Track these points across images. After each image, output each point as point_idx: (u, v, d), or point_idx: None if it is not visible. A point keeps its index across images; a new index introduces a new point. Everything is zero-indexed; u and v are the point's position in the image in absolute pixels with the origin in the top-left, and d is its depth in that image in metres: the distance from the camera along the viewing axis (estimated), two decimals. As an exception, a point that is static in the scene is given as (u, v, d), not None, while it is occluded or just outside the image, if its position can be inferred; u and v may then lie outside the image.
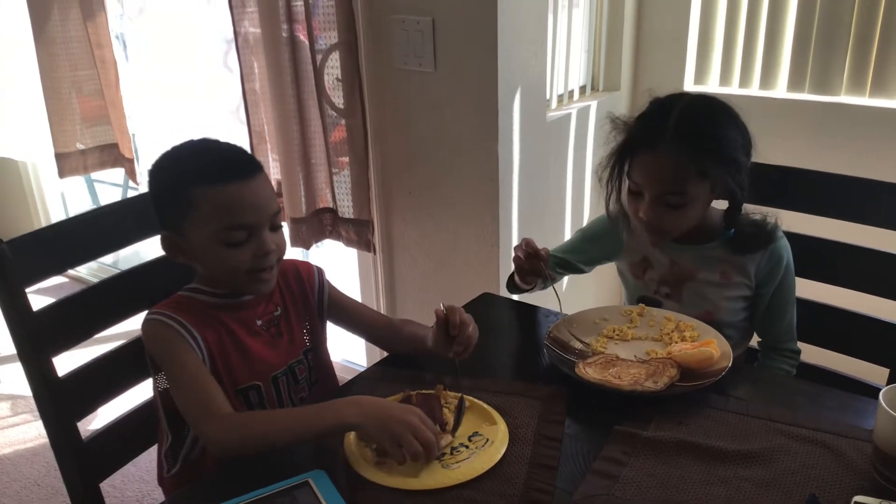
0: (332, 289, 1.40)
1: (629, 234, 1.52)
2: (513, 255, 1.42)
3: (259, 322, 1.28)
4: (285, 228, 2.23)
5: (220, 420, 1.10)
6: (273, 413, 1.22)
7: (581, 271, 1.62)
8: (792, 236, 1.52)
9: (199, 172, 1.18)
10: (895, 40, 2.03)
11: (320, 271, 1.39)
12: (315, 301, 1.37)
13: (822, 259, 1.54)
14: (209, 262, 1.22)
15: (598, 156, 2.38)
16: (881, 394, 0.99)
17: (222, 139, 1.25)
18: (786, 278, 1.45)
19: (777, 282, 1.44)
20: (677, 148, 1.30)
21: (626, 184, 1.42)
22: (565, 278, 1.66)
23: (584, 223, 2.36)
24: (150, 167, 1.24)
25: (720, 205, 1.45)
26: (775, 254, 1.43)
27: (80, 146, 2.68)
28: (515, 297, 1.62)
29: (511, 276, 1.53)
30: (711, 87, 2.36)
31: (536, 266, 1.38)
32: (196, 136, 1.26)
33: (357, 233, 2.21)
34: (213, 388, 1.14)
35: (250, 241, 1.18)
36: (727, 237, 1.43)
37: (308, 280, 1.36)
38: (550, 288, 1.47)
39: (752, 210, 1.44)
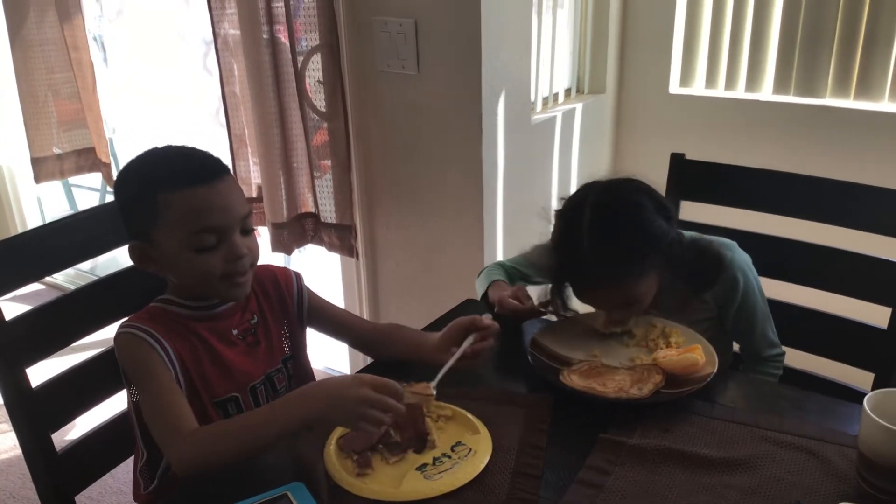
0: (312, 294, 1.38)
1: None
2: (504, 302, 1.40)
3: (235, 331, 1.25)
4: (266, 234, 2.21)
5: (182, 440, 1.07)
6: (230, 424, 1.13)
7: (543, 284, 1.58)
8: (776, 240, 1.52)
9: (164, 178, 1.15)
10: (879, 43, 2.04)
11: (298, 276, 1.36)
12: (294, 307, 1.35)
13: (807, 263, 1.53)
14: (180, 269, 1.19)
15: (584, 158, 2.38)
16: (865, 400, 0.98)
17: (193, 144, 1.23)
18: (746, 300, 1.41)
19: (736, 304, 1.41)
20: (603, 275, 1.27)
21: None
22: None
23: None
24: (115, 178, 1.22)
25: None
26: (728, 280, 1.39)
27: (57, 150, 2.65)
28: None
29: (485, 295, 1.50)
30: (697, 89, 2.36)
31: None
32: (162, 144, 1.23)
33: (339, 238, 2.19)
34: (182, 408, 1.11)
35: (221, 246, 1.16)
36: (679, 281, 1.38)
37: (286, 286, 1.34)
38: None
39: (698, 238, 1.39)
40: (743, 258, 1.42)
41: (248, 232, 1.20)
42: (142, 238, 1.18)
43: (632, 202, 1.29)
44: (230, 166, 2.14)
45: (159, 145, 1.23)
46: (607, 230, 1.26)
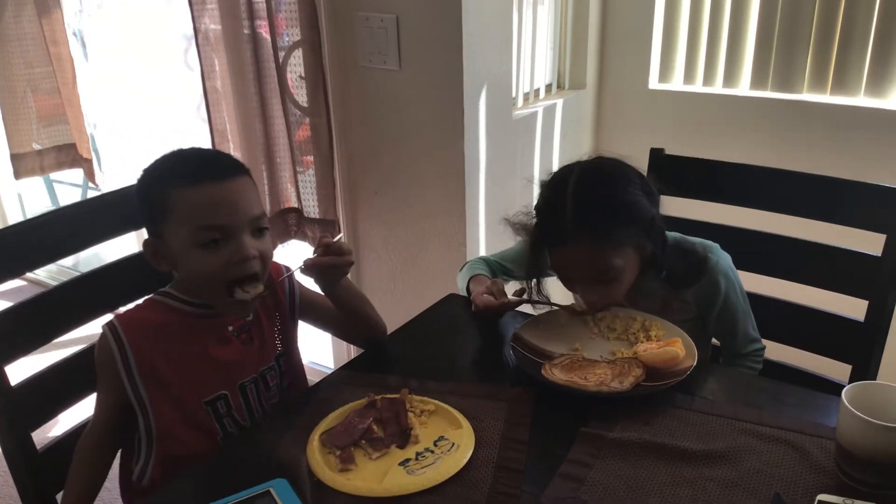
0: (303, 288, 1.38)
1: None
2: (477, 299, 1.40)
3: (230, 328, 1.25)
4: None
5: (80, 444, 1.23)
6: (75, 483, 1.24)
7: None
8: (754, 234, 1.54)
9: (176, 174, 1.17)
10: (855, 40, 2.06)
11: (289, 270, 1.36)
12: (286, 302, 1.35)
13: (784, 256, 1.55)
14: (187, 268, 1.19)
15: (565, 153, 2.39)
16: (843, 392, 0.99)
17: (175, 139, 1.25)
18: (728, 303, 1.42)
19: (718, 307, 1.42)
20: (585, 238, 1.26)
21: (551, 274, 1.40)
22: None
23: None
24: (137, 177, 1.24)
25: None
26: (710, 284, 1.40)
27: (37, 146, 2.62)
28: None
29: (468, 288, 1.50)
30: (676, 84, 2.37)
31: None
32: (152, 142, 1.25)
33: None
34: (97, 421, 1.22)
35: (226, 245, 1.15)
36: (660, 279, 1.41)
37: (278, 279, 1.34)
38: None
39: (681, 239, 1.41)
40: (725, 260, 1.42)
41: (261, 235, 1.20)
42: (155, 234, 1.20)
43: (619, 171, 1.32)
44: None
45: (183, 147, 1.25)
46: (592, 190, 1.28)
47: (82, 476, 1.22)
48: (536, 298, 1.42)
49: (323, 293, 1.32)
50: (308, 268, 1.21)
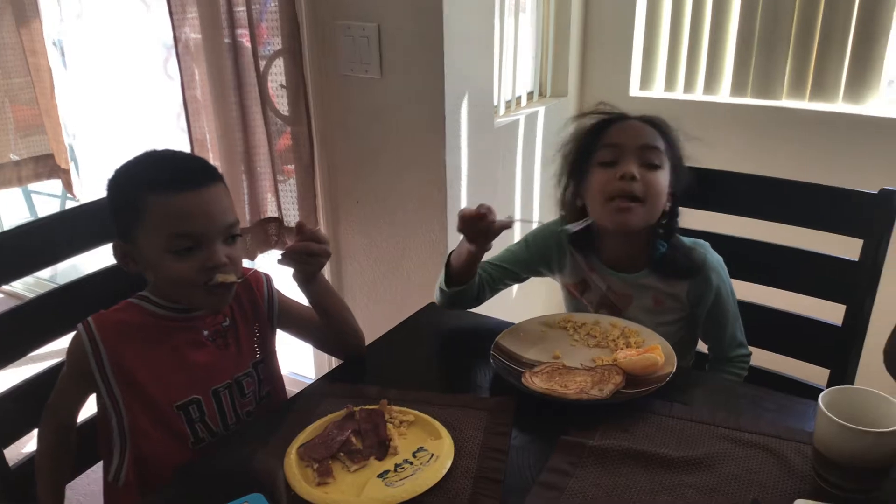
0: (282, 296, 1.38)
1: (571, 255, 1.52)
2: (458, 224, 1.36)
3: (206, 332, 1.25)
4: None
5: (44, 423, 1.23)
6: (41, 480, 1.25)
7: (519, 278, 1.58)
8: (733, 240, 1.54)
9: (150, 180, 1.17)
10: (833, 46, 2.08)
11: (269, 279, 1.36)
12: (265, 309, 1.34)
13: (763, 261, 1.56)
14: (159, 273, 1.19)
15: (547, 161, 2.39)
16: (820, 397, 1.00)
17: (178, 149, 1.25)
18: (718, 299, 1.45)
19: (709, 304, 1.45)
20: (644, 121, 1.42)
21: (591, 172, 1.43)
22: (514, 286, 1.65)
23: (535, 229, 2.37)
24: (110, 176, 1.23)
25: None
26: (704, 280, 1.44)
27: (14, 157, 2.59)
28: (447, 307, 1.52)
29: (445, 273, 1.47)
30: (657, 91, 2.39)
31: (480, 226, 1.32)
32: (143, 147, 1.24)
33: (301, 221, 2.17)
34: (62, 406, 1.23)
35: (198, 252, 1.16)
36: (658, 254, 1.44)
37: (257, 288, 1.34)
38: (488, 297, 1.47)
39: (676, 238, 1.46)
40: (717, 258, 1.46)
41: (233, 242, 1.21)
42: (125, 238, 1.20)
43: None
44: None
45: (157, 148, 1.24)
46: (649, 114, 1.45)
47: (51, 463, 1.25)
48: (520, 218, 1.45)
49: (301, 288, 1.31)
50: (284, 255, 1.22)
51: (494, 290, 1.55)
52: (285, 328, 1.38)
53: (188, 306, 1.23)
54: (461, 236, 1.38)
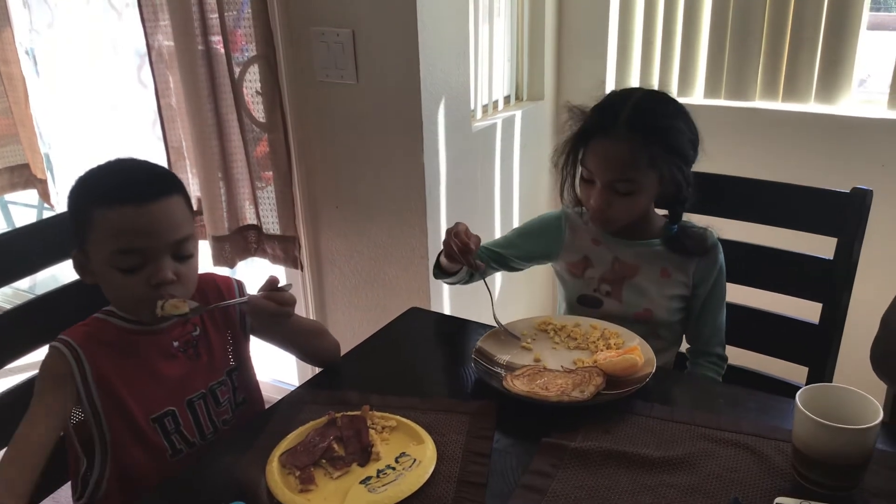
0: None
1: (572, 231, 1.54)
2: (443, 238, 1.39)
3: (175, 343, 1.24)
4: (207, 247, 2.17)
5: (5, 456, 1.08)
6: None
7: (514, 268, 1.60)
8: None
9: (99, 194, 1.15)
10: (804, 48, 2.10)
11: (240, 285, 1.35)
12: (237, 317, 1.33)
13: (740, 261, 1.57)
14: (107, 285, 1.18)
15: (525, 164, 2.40)
16: (798, 395, 1.01)
17: (144, 157, 1.23)
18: (718, 282, 1.49)
19: (711, 283, 1.48)
20: (628, 136, 1.36)
21: (580, 172, 1.46)
22: (497, 274, 1.65)
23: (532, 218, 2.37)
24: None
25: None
26: (712, 258, 1.48)
27: (-12, 167, 2.56)
28: (444, 282, 1.58)
29: (438, 259, 1.50)
30: (632, 94, 2.40)
31: (465, 258, 1.36)
32: (117, 155, 1.23)
33: (283, 249, 2.16)
34: (30, 437, 1.10)
35: (145, 268, 1.14)
36: (670, 233, 1.48)
37: (228, 295, 1.32)
38: (479, 279, 1.47)
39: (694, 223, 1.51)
40: (719, 246, 1.50)
41: (184, 258, 1.17)
42: (80, 249, 1.19)
43: (682, 109, 1.43)
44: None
45: (122, 157, 1.22)
46: (653, 103, 1.42)
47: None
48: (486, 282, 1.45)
49: (257, 335, 1.33)
50: (247, 303, 1.21)
51: (486, 274, 1.54)
52: (259, 335, 1.37)
53: (138, 319, 1.21)
54: (441, 239, 1.38)
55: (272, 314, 1.19)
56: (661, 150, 1.37)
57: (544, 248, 1.58)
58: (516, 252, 1.58)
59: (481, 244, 1.55)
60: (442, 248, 1.41)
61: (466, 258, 1.34)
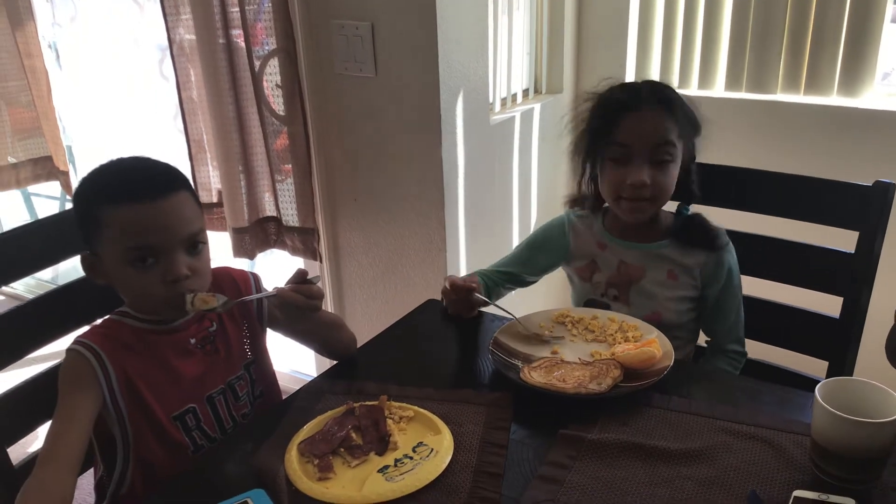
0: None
1: (576, 236, 1.54)
2: (442, 290, 1.41)
3: (193, 340, 1.24)
4: (227, 239, 2.19)
5: (37, 479, 1.05)
6: None
7: (528, 283, 1.62)
8: (729, 234, 1.55)
9: (108, 192, 1.15)
10: (827, 40, 2.08)
11: (256, 278, 1.35)
12: (255, 309, 1.33)
13: (761, 255, 1.56)
14: (123, 285, 1.19)
15: (543, 157, 2.40)
16: (817, 388, 1.00)
17: (152, 151, 1.24)
18: (729, 283, 1.47)
19: (721, 285, 1.47)
20: (657, 106, 1.39)
21: (601, 163, 1.45)
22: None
23: (532, 225, 2.38)
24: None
25: (670, 207, 1.51)
26: (719, 258, 1.46)
27: (12, 160, 2.60)
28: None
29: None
30: (652, 87, 2.39)
31: (470, 298, 1.39)
32: (129, 152, 1.23)
33: (302, 241, 2.18)
34: (66, 447, 1.08)
35: (159, 264, 1.14)
36: (682, 216, 1.48)
37: (245, 288, 1.32)
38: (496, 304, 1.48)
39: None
40: (733, 250, 1.49)
41: (196, 252, 1.18)
42: (90, 249, 1.19)
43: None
44: (189, 172, 2.15)
45: (123, 156, 1.22)
46: (663, 84, 1.45)
47: None
48: (498, 305, 1.44)
49: (280, 330, 1.33)
50: (276, 297, 1.21)
51: (499, 295, 1.58)
52: (278, 329, 1.37)
53: (157, 318, 1.22)
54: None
55: (301, 307, 1.19)
56: (682, 119, 1.41)
57: (554, 259, 1.59)
58: (526, 268, 1.60)
59: (491, 268, 1.59)
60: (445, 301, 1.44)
61: (471, 298, 1.36)
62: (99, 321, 1.24)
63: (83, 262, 1.20)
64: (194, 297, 1.14)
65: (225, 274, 1.32)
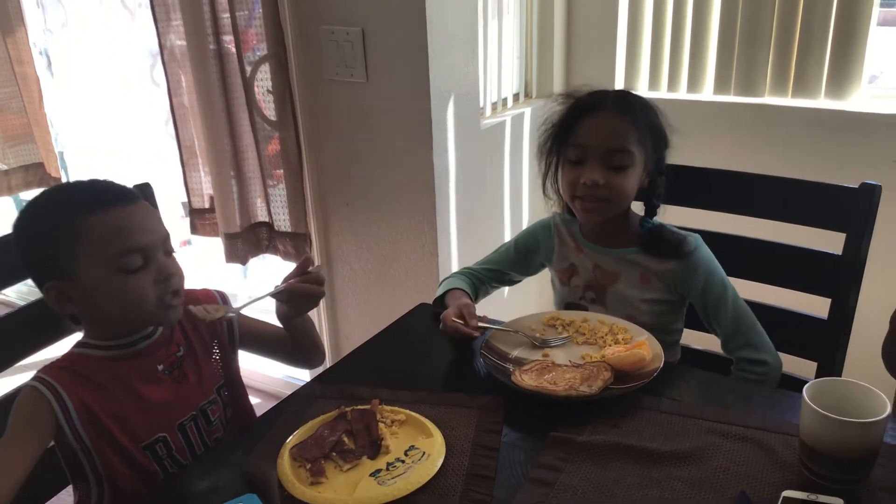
0: (241, 315, 1.34)
1: (560, 239, 1.55)
2: (447, 320, 1.38)
3: (160, 367, 1.21)
4: (219, 244, 2.19)
5: None
6: None
7: (514, 282, 1.65)
8: (718, 236, 1.56)
9: (81, 201, 1.13)
10: (815, 43, 2.10)
11: (223, 296, 1.33)
12: (224, 329, 1.32)
13: (749, 257, 1.57)
14: (109, 299, 1.13)
15: (534, 161, 2.40)
16: (805, 389, 1.01)
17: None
18: (710, 283, 1.45)
19: (700, 288, 1.45)
20: (619, 112, 1.41)
21: (561, 163, 1.47)
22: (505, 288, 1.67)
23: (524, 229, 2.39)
24: (15, 222, 1.16)
25: (639, 209, 1.51)
26: (690, 264, 1.45)
27: (3, 166, 2.59)
28: None
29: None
30: (641, 91, 2.40)
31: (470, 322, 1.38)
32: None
33: (295, 246, 2.18)
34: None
35: (148, 267, 1.13)
36: (646, 228, 1.48)
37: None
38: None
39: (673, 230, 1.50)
40: (705, 250, 1.47)
41: (170, 254, 1.18)
42: (58, 277, 1.13)
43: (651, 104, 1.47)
44: (181, 177, 2.15)
45: (73, 181, 1.23)
46: (629, 93, 1.48)
47: None
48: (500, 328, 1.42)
49: (281, 319, 1.32)
50: (283, 291, 1.21)
51: (486, 293, 1.61)
52: (246, 347, 1.36)
53: (141, 326, 1.19)
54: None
55: (311, 294, 1.23)
56: (644, 128, 1.41)
57: (540, 259, 1.61)
58: (513, 266, 1.62)
59: (478, 265, 1.61)
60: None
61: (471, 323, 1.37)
62: (59, 356, 1.19)
63: (48, 294, 1.15)
64: (204, 307, 1.17)
65: (190, 296, 1.25)
